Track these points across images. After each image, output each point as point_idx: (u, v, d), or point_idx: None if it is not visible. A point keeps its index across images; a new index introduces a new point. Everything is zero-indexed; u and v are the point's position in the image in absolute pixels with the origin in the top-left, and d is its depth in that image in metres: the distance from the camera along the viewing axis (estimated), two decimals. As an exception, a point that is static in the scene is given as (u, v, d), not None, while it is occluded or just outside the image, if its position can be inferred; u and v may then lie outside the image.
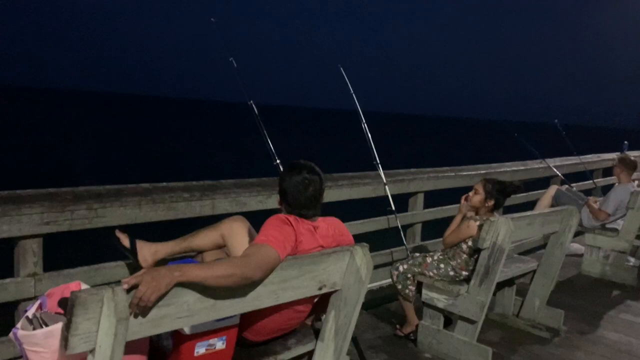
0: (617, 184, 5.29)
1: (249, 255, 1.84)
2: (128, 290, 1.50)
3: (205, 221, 2.72)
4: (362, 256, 2.17)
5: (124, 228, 2.61)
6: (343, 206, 4.04)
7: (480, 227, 3.20)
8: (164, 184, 2.97)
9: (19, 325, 1.68)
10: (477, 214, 3.40)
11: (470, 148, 36.45)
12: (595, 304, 4.45)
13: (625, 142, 8.62)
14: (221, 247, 2.45)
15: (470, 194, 3.44)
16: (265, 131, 3.65)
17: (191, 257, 2.52)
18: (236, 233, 2.37)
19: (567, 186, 5.82)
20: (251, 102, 3.68)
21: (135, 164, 19.98)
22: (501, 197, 3.40)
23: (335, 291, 2.20)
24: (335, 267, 2.14)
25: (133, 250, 2.46)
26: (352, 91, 4.50)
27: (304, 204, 2.18)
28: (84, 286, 1.87)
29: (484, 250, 3.15)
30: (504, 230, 3.10)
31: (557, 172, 6.35)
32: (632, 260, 5.45)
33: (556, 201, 5.47)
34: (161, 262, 2.49)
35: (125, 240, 2.49)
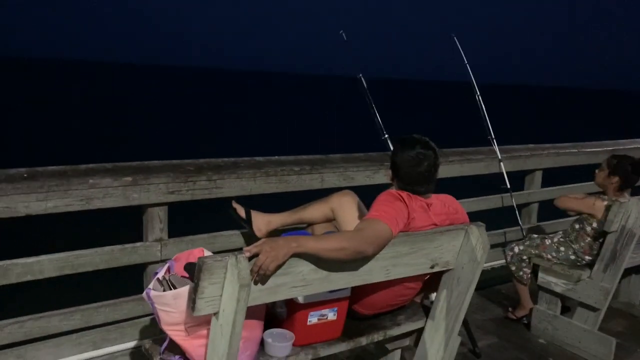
0: None
1: (362, 230, 1.84)
2: (250, 259, 1.57)
3: (314, 194, 2.76)
4: (478, 236, 2.09)
5: (240, 199, 2.73)
6: (454, 183, 3.92)
7: (607, 208, 2.95)
8: (276, 157, 3.05)
9: (151, 286, 1.81)
10: (604, 193, 3.13)
11: (598, 122, 33.58)
12: None
13: None
14: (330, 220, 2.48)
15: (597, 170, 3.17)
16: (373, 105, 3.62)
17: (303, 229, 2.58)
18: (345, 207, 2.38)
19: None
20: (360, 75, 3.65)
21: (247, 137, 20.84)
22: (630, 174, 3.10)
23: (448, 270, 2.15)
24: (449, 245, 2.08)
25: (248, 220, 2.57)
26: (466, 61, 4.31)
27: (416, 180, 2.11)
28: (207, 252, 1.97)
29: (611, 233, 2.90)
30: (635, 212, 2.84)
31: None
32: None
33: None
34: (274, 232, 2.58)
35: (241, 211, 2.60)
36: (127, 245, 2.55)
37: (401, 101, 47.68)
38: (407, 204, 2.03)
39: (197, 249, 2.01)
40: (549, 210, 4.62)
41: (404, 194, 2.08)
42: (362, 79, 3.67)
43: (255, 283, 1.60)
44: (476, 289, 3.80)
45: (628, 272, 3.58)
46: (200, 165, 2.70)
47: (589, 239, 3.13)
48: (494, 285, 4.00)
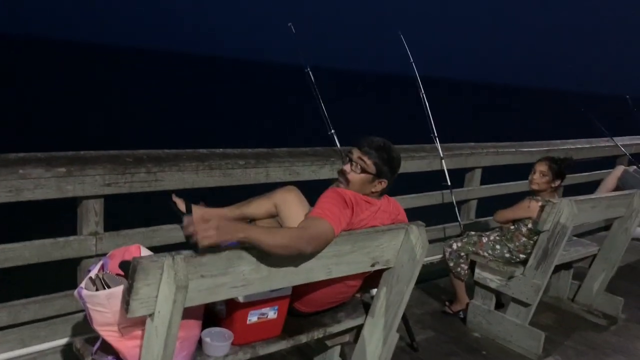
0: None
1: (305, 229, 1.84)
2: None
3: (259, 188, 2.73)
4: (417, 235, 2.13)
5: (181, 192, 2.66)
6: (397, 179, 3.98)
7: (541, 208, 3.08)
8: (221, 150, 2.99)
9: (82, 284, 1.74)
10: (538, 195, 3.27)
11: (533, 120, 34.96)
12: (658, 292, 4.25)
13: None
14: (274, 216, 2.46)
15: (536, 175, 3.29)
16: (321, 101, 3.61)
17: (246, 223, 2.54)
18: (289, 203, 2.37)
19: (635, 167, 5.51)
20: (308, 69, 3.62)
21: (188, 127, 20.20)
22: (561, 174, 3.27)
23: (388, 268, 2.18)
24: (390, 244, 2.11)
25: (189, 215, 2.50)
26: (411, 59, 4.36)
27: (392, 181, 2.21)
28: (144, 250, 1.91)
29: (544, 232, 3.03)
30: (566, 212, 2.98)
31: (625, 152, 6.01)
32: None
33: (622, 183, 5.20)
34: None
35: (181, 205, 2.53)
36: (59, 239, 2.43)
37: (350, 94, 47.89)
38: (352, 202, 2.04)
39: (134, 246, 1.94)
40: (488, 207, 4.79)
41: (352, 193, 2.08)
42: (310, 73, 3.64)
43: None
44: (415, 283, 3.91)
45: (558, 268, 3.76)
46: (140, 157, 2.61)
47: (523, 238, 3.25)
48: (433, 280, 4.11)
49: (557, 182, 3.25)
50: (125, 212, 3.40)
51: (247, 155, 3.00)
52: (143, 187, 2.59)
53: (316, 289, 2.09)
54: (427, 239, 4.01)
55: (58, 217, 2.90)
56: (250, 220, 2.55)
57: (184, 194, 2.64)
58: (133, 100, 27.41)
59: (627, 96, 6.90)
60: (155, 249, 2.07)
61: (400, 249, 2.14)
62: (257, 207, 2.47)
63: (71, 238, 2.47)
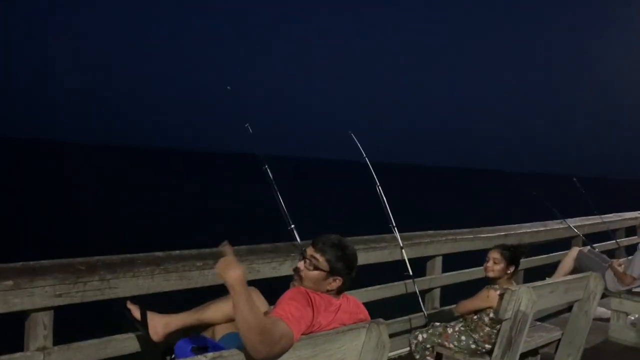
0: None
1: (267, 330, 1.78)
2: None
3: (220, 289, 2.67)
4: (379, 333, 2.10)
5: (137, 298, 2.57)
6: (358, 271, 3.97)
7: (500, 297, 3.10)
8: (177, 252, 2.95)
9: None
10: (495, 283, 3.31)
11: (488, 203, 36.02)
12: (625, 374, 4.24)
13: None
14: (233, 320, 2.39)
15: (490, 263, 3.35)
16: (280, 197, 3.65)
17: (204, 330, 2.46)
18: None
19: (589, 247, 5.68)
20: (266, 167, 3.69)
21: (139, 225, 19.41)
22: (516, 261, 3.34)
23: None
24: (352, 345, 2.06)
25: (144, 323, 2.42)
26: (365, 155, 4.51)
27: (349, 277, 2.17)
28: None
29: (506, 321, 3.03)
30: (526, 299, 3.00)
31: (578, 233, 6.21)
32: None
33: (578, 264, 5.32)
34: (173, 335, 2.43)
35: (136, 312, 2.44)
36: (3, 357, 2.28)
37: (307, 183, 48.26)
38: (315, 307, 2.01)
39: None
40: (451, 295, 4.79)
41: (313, 294, 2.06)
42: (269, 170, 3.70)
43: None
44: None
45: (524, 355, 3.72)
46: (93, 264, 2.54)
47: (487, 328, 3.25)
48: (401, 374, 4.00)
49: (512, 268, 3.31)
50: (77, 323, 3.24)
51: (204, 256, 2.96)
52: (96, 295, 2.50)
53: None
54: (393, 332, 3.96)
55: (3, 332, 2.74)
56: (209, 325, 2.47)
57: (139, 300, 2.56)
58: (81, 199, 26.69)
59: (574, 178, 7.24)
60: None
61: (362, 349, 2.09)
62: (216, 311, 2.41)
63: (17, 355, 2.33)
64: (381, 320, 2.18)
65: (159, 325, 2.42)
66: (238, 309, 1.73)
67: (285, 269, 3.30)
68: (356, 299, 2.29)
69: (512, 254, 3.31)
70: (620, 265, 5.14)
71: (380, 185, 4.49)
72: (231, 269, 1.78)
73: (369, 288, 4.00)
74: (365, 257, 3.95)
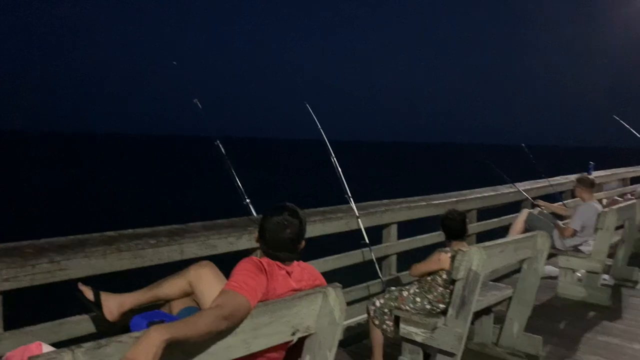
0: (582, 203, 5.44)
1: (221, 307, 1.78)
2: None
3: (175, 267, 2.65)
4: (335, 297, 2.13)
5: (89, 279, 2.52)
6: (316, 242, 4.01)
7: (452, 258, 3.20)
8: (130, 230, 2.90)
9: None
10: (447, 246, 3.41)
11: (442, 174, 36.84)
12: (572, 327, 4.46)
13: (591, 162, 8.83)
14: (189, 294, 2.38)
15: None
16: (234, 171, 3.62)
17: (160, 307, 2.44)
18: (204, 279, 2.31)
19: (538, 209, 5.90)
20: (218, 142, 3.65)
21: (97, 209, 19.08)
22: (452, 227, 3.48)
23: (309, 335, 2.15)
24: (308, 310, 2.09)
25: (98, 303, 2.37)
26: (319, 126, 4.52)
27: (279, 246, 2.18)
28: (45, 347, 1.78)
29: (459, 281, 3.13)
30: (476, 259, 3.10)
31: (527, 196, 6.44)
32: (606, 277, 5.50)
33: (528, 225, 5.54)
34: (128, 313, 2.40)
35: (88, 293, 2.40)
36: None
37: (263, 162, 48.03)
38: (267, 272, 2.03)
39: (34, 344, 1.80)
40: (407, 261, 4.91)
41: (265, 262, 2.08)
42: (220, 145, 3.67)
43: None
44: (344, 345, 3.88)
45: (479, 314, 3.88)
46: (41, 247, 2.47)
47: (440, 288, 3.35)
48: (361, 340, 4.08)
49: (445, 232, 3.49)
50: (28, 307, 3.15)
51: (158, 234, 2.92)
52: (46, 278, 2.44)
53: (235, 366, 2.01)
54: (352, 299, 4.03)
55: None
56: (165, 302, 2.45)
57: (91, 281, 2.51)
58: (31, 185, 25.80)
59: (523, 144, 7.48)
60: (63, 344, 1.94)
61: (320, 313, 2.12)
62: (171, 287, 2.39)
63: (-35, 343, 2.25)
64: (337, 284, 2.22)
65: (113, 305, 2.39)
66: (192, 339, 1.63)
67: (242, 243, 3.30)
68: (312, 267, 2.32)
69: (443, 219, 3.48)
70: (565, 223, 5.39)
71: (335, 157, 4.52)
72: (146, 343, 1.50)
73: (328, 258, 4.05)
74: (322, 228, 3.99)
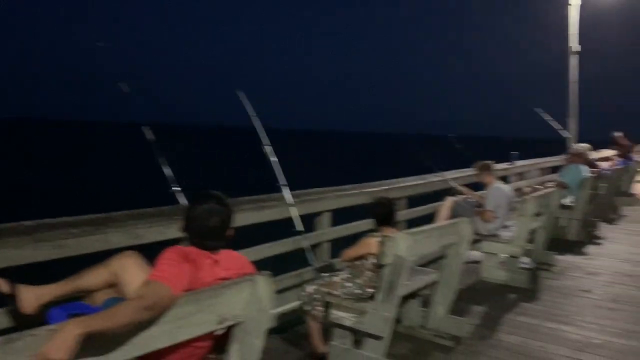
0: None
1: (142, 297, 1.74)
2: None
3: (100, 258, 2.56)
4: (264, 285, 2.13)
5: (6, 271, 2.39)
6: (250, 230, 3.99)
7: (380, 243, 3.28)
8: (50, 220, 2.77)
9: None
10: (376, 232, 3.50)
11: (374, 163, 37.57)
12: (494, 308, 4.69)
13: (514, 152, 9.28)
14: (113, 285, 2.31)
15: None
16: (162, 158, 3.53)
17: (81, 298, 2.35)
18: (128, 270, 2.25)
19: (462, 197, 6.15)
20: (147, 127, 3.54)
21: (15, 198, 18.00)
22: (382, 213, 3.59)
23: (238, 323, 2.14)
24: (236, 299, 2.08)
25: (13, 296, 2.25)
26: (255, 114, 4.48)
27: (205, 234, 2.15)
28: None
29: (386, 266, 3.22)
30: (403, 245, 3.19)
31: (453, 184, 6.68)
32: (526, 261, 5.82)
33: (453, 212, 5.76)
34: (47, 306, 2.30)
35: (4, 286, 2.27)
36: None
37: (193, 149, 46.99)
38: (192, 261, 2.00)
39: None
40: (340, 248, 4.98)
41: (190, 250, 2.05)
42: (148, 131, 3.56)
43: None
44: (277, 332, 3.90)
45: (407, 298, 4.00)
46: (-51, 238, 2.31)
47: (369, 272, 3.43)
48: (294, 327, 4.12)
49: (374, 219, 3.61)
50: None
51: (81, 223, 2.81)
52: (-45, 271, 2.29)
53: (161, 356, 1.98)
54: (285, 286, 4.05)
55: None
56: (87, 292, 2.37)
57: (8, 273, 2.38)
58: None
59: (449, 134, 7.74)
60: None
61: (248, 301, 2.12)
62: (93, 278, 2.30)
63: None
64: (267, 272, 2.22)
65: (31, 297, 2.28)
66: (110, 330, 1.61)
67: (171, 232, 3.22)
68: (240, 255, 2.31)
69: (371, 205, 3.60)
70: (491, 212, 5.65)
71: (268, 145, 4.50)
72: (60, 337, 1.46)
73: (261, 246, 4.05)
74: (256, 217, 3.98)
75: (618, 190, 10.47)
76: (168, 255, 1.96)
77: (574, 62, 10.75)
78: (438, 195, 6.92)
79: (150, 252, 2.53)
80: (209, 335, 2.12)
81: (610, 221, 8.97)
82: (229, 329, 2.15)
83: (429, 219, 6.27)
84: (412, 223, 6.00)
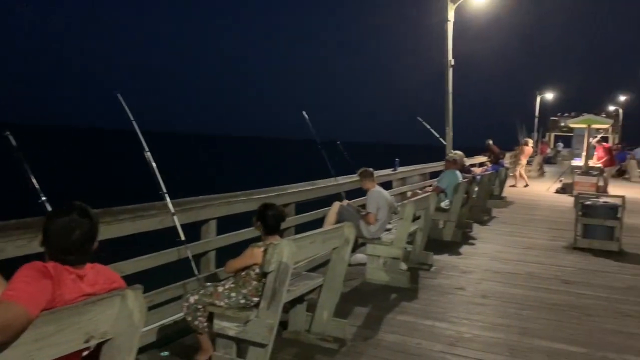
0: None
1: None
2: None
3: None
4: (134, 300, 2.03)
5: None
6: (127, 242, 3.81)
7: (265, 252, 3.28)
8: None
9: None
10: (260, 240, 3.50)
11: (263, 168, 37.57)
12: (377, 309, 4.87)
13: (397, 159, 9.75)
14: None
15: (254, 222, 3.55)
16: (27, 165, 3.26)
17: None
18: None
19: (347, 202, 6.34)
20: (7, 133, 3.25)
21: None
22: (270, 220, 3.58)
23: (107, 340, 2.03)
24: (104, 315, 1.96)
25: None
26: (132, 118, 4.29)
27: (67, 249, 2.00)
28: None
29: (270, 273, 3.22)
30: (287, 251, 3.22)
31: (340, 190, 6.88)
32: (405, 264, 6.13)
33: (340, 216, 5.92)
34: None
35: None
36: None
37: (67, 155, 43.78)
38: (52, 277, 1.86)
39: None
40: (228, 257, 4.91)
41: (51, 266, 1.91)
42: (10, 136, 3.27)
43: None
44: (160, 345, 3.76)
45: (293, 303, 4.04)
46: None
47: (254, 282, 3.41)
48: (178, 339, 3.99)
49: (258, 224, 3.60)
50: None
51: None
52: None
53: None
54: (168, 298, 3.91)
55: None
56: None
57: None
58: None
59: (338, 142, 7.95)
60: None
61: (117, 317, 2.01)
62: None
63: None
64: (138, 286, 2.13)
65: None
66: None
67: (35, 247, 2.98)
68: (108, 268, 2.20)
69: (261, 210, 3.59)
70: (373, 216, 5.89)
71: (150, 151, 4.33)
72: None
73: (140, 258, 3.88)
74: (133, 227, 3.81)
75: (490, 194, 11.39)
76: (24, 272, 1.81)
77: (449, 74, 11.53)
78: (329, 200, 7.09)
79: (11, 267, 2.33)
80: (77, 354, 1.98)
81: (482, 222, 9.73)
82: (99, 346, 2.03)
83: (319, 224, 6.39)
84: (303, 228, 6.09)
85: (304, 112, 6.71)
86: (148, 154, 4.25)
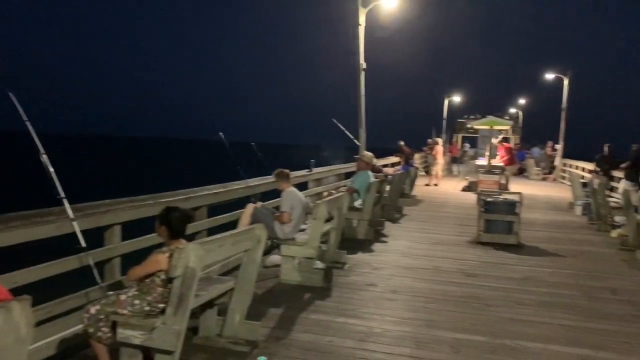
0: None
1: None
2: None
3: None
4: (20, 312, 1.91)
5: None
6: (20, 250, 3.56)
7: (170, 257, 3.19)
8: None
9: None
10: (165, 245, 3.40)
11: (173, 170, 36.48)
12: (290, 309, 4.88)
13: (312, 160, 9.85)
14: None
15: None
16: None
17: None
18: None
19: (261, 203, 6.32)
20: None
21: None
22: (174, 223, 3.47)
23: (-9, 357, 1.89)
24: (-15, 330, 1.83)
25: None
26: (26, 119, 4.02)
27: None
28: None
29: (177, 278, 3.14)
30: (194, 255, 3.15)
31: (255, 192, 6.84)
32: (319, 264, 6.20)
33: (254, 218, 5.88)
34: None
35: None
36: None
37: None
38: None
39: None
40: (134, 263, 4.72)
41: None
42: None
43: None
44: (62, 359, 3.54)
45: (204, 308, 3.96)
46: None
47: (160, 289, 3.31)
48: (80, 352, 3.77)
49: (163, 228, 3.47)
50: None
51: None
52: None
53: None
54: (68, 308, 3.70)
55: None
56: None
57: None
58: None
59: (253, 143, 7.90)
60: None
61: (1, 331, 1.88)
62: None
63: None
64: (25, 296, 1.99)
65: None
66: None
67: None
68: None
69: (165, 214, 3.47)
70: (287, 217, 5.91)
71: (46, 154, 4.07)
72: None
73: (34, 267, 3.63)
74: (26, 234, 3.57)
75: (401, 193, 11.79)
76: None
77: (362, 77, 11.79)
78: (244, 202, 7.02)
79: None
80: (-50, 376, 1.83)
81: (394, 220, 10.06)
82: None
83: (233, 227, 6.30)
84: (216, 232, 5.97)
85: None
86: (44, 157, 4.00)
